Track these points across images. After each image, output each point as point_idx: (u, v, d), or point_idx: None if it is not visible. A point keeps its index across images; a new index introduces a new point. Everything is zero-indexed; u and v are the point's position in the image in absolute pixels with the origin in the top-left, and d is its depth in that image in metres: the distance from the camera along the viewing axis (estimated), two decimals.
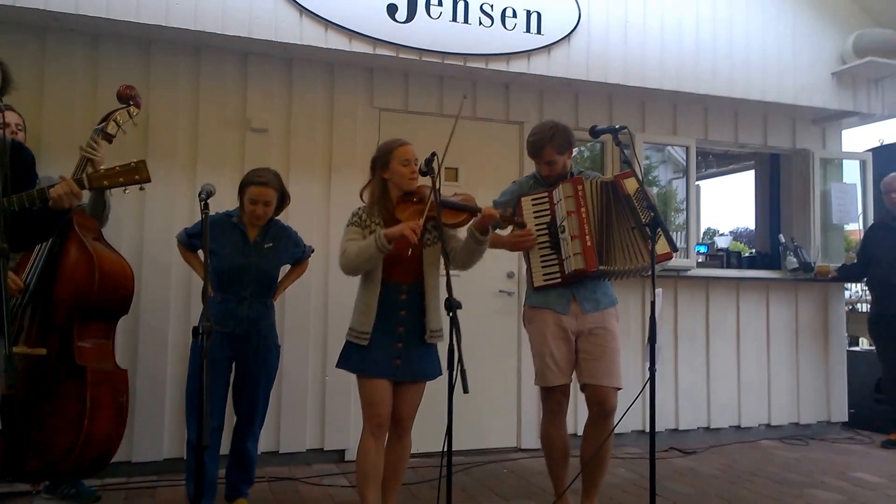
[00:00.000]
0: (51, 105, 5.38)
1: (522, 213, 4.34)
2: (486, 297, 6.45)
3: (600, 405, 4.25)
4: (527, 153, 4.47)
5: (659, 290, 3.91)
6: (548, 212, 4.31)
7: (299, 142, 6.00)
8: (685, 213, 7.31)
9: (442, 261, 3.65)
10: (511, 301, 6.53)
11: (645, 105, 7.06)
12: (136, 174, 3.02)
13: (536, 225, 4.32)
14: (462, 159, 5.95)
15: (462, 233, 4.05)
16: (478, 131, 6.52)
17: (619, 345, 4.31)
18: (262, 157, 5.68)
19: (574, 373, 4.36)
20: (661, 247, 4.03)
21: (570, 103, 6.79)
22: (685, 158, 7.37)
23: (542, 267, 4.31)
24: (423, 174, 3.81)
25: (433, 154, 3.76)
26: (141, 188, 3.08)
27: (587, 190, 4.24)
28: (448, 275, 3.44)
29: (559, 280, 4.27)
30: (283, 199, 4.55)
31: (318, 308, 5.96)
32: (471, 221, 3.91)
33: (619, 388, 4.25)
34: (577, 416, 6.24)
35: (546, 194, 4.34)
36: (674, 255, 4.15)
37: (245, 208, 4.46)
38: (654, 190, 9.98)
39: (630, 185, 4.16)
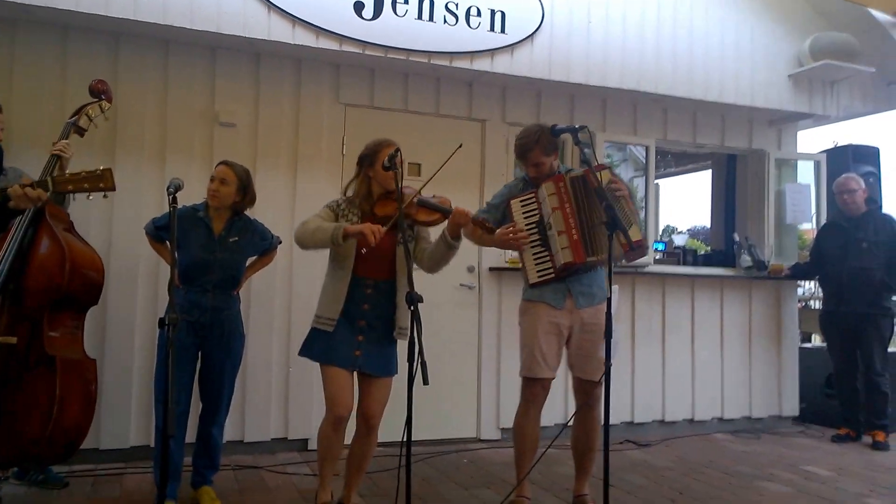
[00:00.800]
0: (20, 97, 5.35)
1: (513, 215, 4.41)
2: (446, 290, 6.47)
3: (588, 397, 4.40)
4: (515, 155, 4.52)
5: (615, 287, 3.94)
6: (536, 211, 4.38)
7: (266, 136, 6.00)
8: (644, 210, 7.35)
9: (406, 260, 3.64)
10: (471, 295, 6.58)
11: (606, 104, 7.09)
12: (100, 181, 3.12)
13: (527, 225, 4.38)
14: (425, 155, 6.03)
15: (434, 235, 4.11)
16: (441, 128, 6.54)
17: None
18: (230, 151, 5.65)
19: (561, 366, 4.45)
20: (634, 234, 4.10)
21: (533, 101, 6.83)
22: (645, 157, 7.41)
23: (536, 264, 4.38)
24: (386, 170, 3.89)
25: (396, 150, 3.85)
26: (105, 196, 3.18)
27: (568, 186, 4.31)
28: (409, 269, 3.48)
29: (553, 275, 4.34)
30: (246, 194, 4.55)
31: (283, 302, 5.97)
32: (444, 220, 3.97)
33: None
34: (566, 405, 6.40)
35: (532, 194, 4.41)
36: (644, 240, 4.20)
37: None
38: None
39: (605, 177, 4.19)
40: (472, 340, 6.61)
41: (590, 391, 4.39)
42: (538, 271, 4.38)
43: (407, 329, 3.92)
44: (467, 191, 6.52)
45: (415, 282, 3.44)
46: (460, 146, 3.98)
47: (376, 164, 4.01)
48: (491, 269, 6.66)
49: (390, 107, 6.37)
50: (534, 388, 4.43)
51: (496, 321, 6.66)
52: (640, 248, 4.19)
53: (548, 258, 4.35)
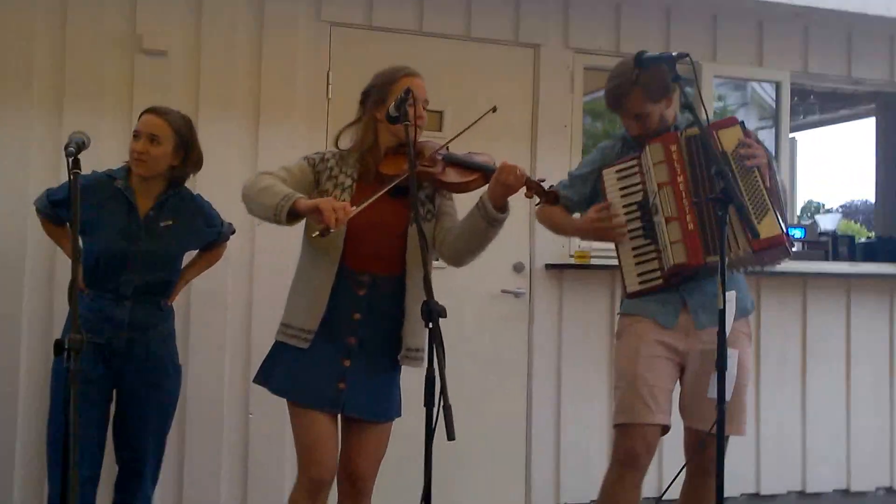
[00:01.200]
0: None
1: (605, 191, 4.46)
2: (483, 298, 6.51)
3: (705, 458, 4.27)
4: (607, 105, 4.53)
5: (730, 295, 3.91)
6: (639, 186, 4.41)
7: (214, 70, 6.00)
8: None
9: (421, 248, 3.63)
10: (519, 305, 6.59)
11: (717, 23, 7.08)
12: None
13: (625, 206, 4.42)
14: (450, 99, 6.00)
15: (464, 210, 4.09)
16: (474, 58, 6.54)
17: (747, 377, 4.44)
18: (158, 91, 5.66)
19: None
20: (768, 228, 4.11)
21: (610, 20, 6.85)
22: (775, 99, 7.40)
23: (637, 265, 4.40)
24: (393, 121, 3.86)
25: (407, 91, 3.79)
26: None
27: (683, 150, 4.32)
28: (426, 261, 3.49)
29: (660, 281, 4.36)
30: (187, 155, 4.61)
31: (239, 315, 6.01)
32: (482, 185, 3.99)
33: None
34: (661, 470, 6.31)
35: (634, 161, 4.43)
36: (785, 239, 4.20)
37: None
38: None
39: (730, 137, 4.22)
40: (519, 371, 6.62)
41: (710, 449, 4.15)
42: (639, 275, 4.40)
43: (420, 353, 3.98)
44: (513, 150, 6.40)
45: (435, 283, 3.41)
46: (493, 110, 3.99)
47: (390, 97, 3.98)
48: (548, 266, 6.66)
49: (397, 27, 6.37)
50: (634, 442, 4.38)
51: (555, 343, 6.67)
52: (777, 248, 4.21)
53: (654, 255, 4.37)
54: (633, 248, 4.40)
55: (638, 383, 4.34)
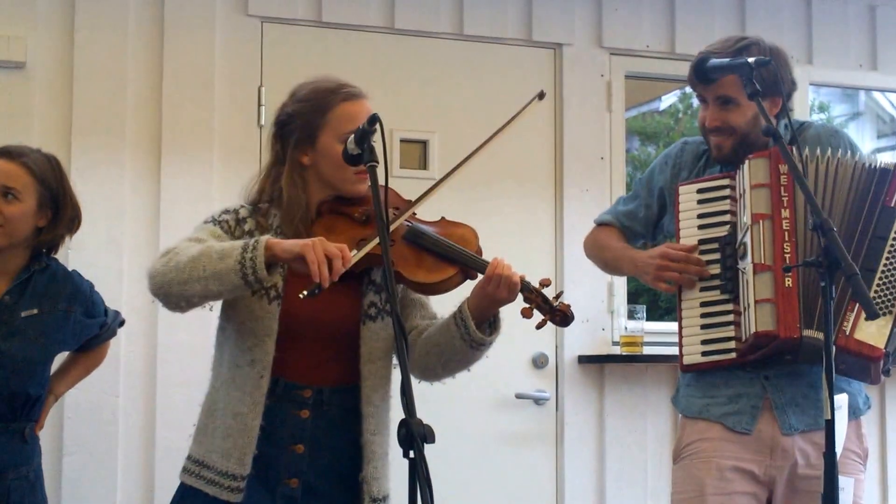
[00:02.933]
0: None
1: (679, 216, 4.35)
2: (487, 409, 6.48)
3: None
4: (689, 82, 4.42)
5: (842, 398, 3.84)
6: (726, 216, 4.29)
7: (93, 87, 5.95)
8: None
9: (395, 348, 3.62)
10: (541, 416, 6.57)
11: (812, 13, 7.19)
12: None
13: (702, 243, 4.28)
14: (439, 119, 6.00)
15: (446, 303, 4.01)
16: (469, 65, 6.56)
17: None
18: (15, 117, 5.73)
19: None
20: (872, 333, 4.00)
21: (661, 8, 6.95)
22: None
23: (704, 329, 4.25)
24: (353, 161, 3.64)
25: (372, 119, 3.57)
26: None
27: (793, 171, 4.06)
28: (404, 362, 3.16)
29: (732, 355, 4.18)
30: (58, 212, 4.54)
31: (136, 442, 5.89)
32: (459, 283, 3.90)
33: None
34: None
35: (726, 182, 4.30)
36: (882, 358, 4.05)
37: None
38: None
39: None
40: None
41: None
42: (704, 342, 4.24)
43: (386, 500, 3.92)
44: (523, 201, 6.52)
45: (418, 388, 3.17)
46: (541, 96, 3.95)
47: (321, 136, 3.87)
48: (583, 359, 6.63)
49: (360, 23, 6.42)
50: None
51: (594, 470, 6.61)
52: (863, 362, 4.10)
53: (730, 317, 4.20)
54: (703, 304, 4.26)
55: None
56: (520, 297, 3.84)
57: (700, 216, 4.28)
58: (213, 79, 6.13)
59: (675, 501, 4.39)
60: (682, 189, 4.33)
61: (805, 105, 7.16)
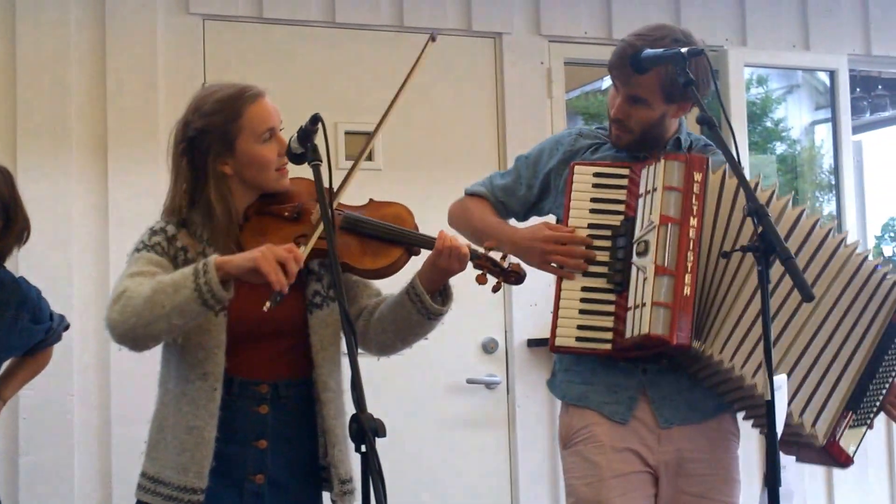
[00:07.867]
0: None
1: (570, 197, 4.29)
2: (437, 395, 6.60)
3: None
4: (609, 67, 4.37)
5: (780, 379, 3.84)
6: (621, 206, 4.25)
7: (37, 88, 6.00)
8: (834, 190, 7.71)
9: (343, 334, 3.50)
10: (494, 399, 6.70)
11: None
12: None
13: (592, 227, 4.25)
14: (382, 110, 5.78)
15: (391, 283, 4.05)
16: (409, 56, 6.30)
17: (736, 496, 4.36)
18: None
19: None
20: (847, 439, 4.18)
21: (594, 1, 7.08)
22: (830, 91, 7.80)
23: (582, 314, 4.24)
24: (296, 159, 3.77)
25: (315, 119, 3.69)
26: None
27: (706, 183, 4.19)
28: (353, 357, 3.24)
29: (607, 346, 4.18)
30: (9, 224, 4.66)
31: (91, 433, 5.92)
32: (406, 262, 3.93)
33: None
34: None
35: (626, 171, 4.30)
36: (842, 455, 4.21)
37: None
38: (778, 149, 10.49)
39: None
40: (499, 499, 6.64)
41: None
42: (580, 327, 4.24)
43: (351, 484, 3.91)
44: (468, 175, 6.29)
45: (366, 377, 3.23)
46: (433, 38, 4.07)
47: (238, 140, 3.86)
48: (532, 342, 6.71)
49: (301, 18, 6.48)
50: None
51: (548, 453, 6.73)
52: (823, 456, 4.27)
53: (611, 306, 4.22)
54: (585, 289, 4.26)
55: None
56: (469, 265, 3.90)
57: (593, 200, 4.30)
58: (157, 77, 6.18)
59: (573, 487, 4.43)
60: (577, 168, 4.34)
61: (741, 86, 7.29)
